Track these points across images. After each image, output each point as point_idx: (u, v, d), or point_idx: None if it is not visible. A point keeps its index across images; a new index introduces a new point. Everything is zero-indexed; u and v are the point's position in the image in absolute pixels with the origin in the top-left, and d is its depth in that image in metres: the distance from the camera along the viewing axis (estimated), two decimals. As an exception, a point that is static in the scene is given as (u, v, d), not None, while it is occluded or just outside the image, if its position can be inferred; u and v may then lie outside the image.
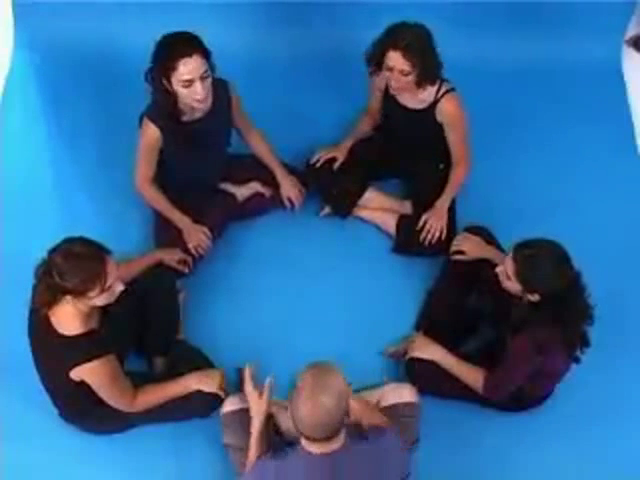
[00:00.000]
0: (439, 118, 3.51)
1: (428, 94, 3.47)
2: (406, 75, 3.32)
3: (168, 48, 3.09)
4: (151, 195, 3.48)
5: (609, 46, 4.39)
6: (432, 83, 3.43)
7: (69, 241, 2.72)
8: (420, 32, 3.32)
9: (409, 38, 3.27)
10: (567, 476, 3.22)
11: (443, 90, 3.46)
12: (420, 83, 3.38)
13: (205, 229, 3.48)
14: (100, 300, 2.75)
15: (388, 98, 3.56)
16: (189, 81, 3.09)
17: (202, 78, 3.10)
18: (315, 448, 2.52)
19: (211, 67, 3.16)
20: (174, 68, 3.07)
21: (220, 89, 3.32)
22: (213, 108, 3.29)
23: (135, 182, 3.47)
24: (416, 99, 3.49)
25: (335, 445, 2.52)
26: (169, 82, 3.11)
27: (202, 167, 3.48)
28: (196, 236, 3.46)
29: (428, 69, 3.34)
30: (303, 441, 2.55)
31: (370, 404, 3.02)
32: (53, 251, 2.70)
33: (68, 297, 2.71)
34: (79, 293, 2.69)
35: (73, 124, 4.03)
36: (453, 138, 3.56)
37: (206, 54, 3.12)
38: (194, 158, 3.40)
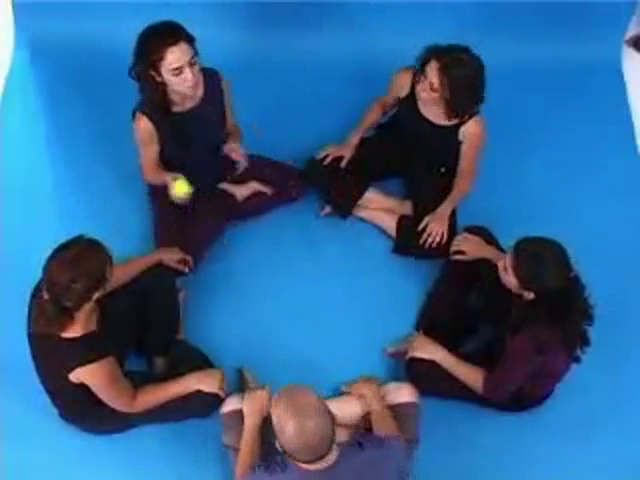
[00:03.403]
0: (461, 137, 3.51)
1: None
2: (434, 90, 3.31)
3: (152, 39, 3.09)
4: (159, 180, 3.43)
5: (609, 46, 4.39)
6: (460, 119, 3.44)
7: (58, 252, 2.71)
8: (472, 66, 3.28)
9: (455, 61, 3.25)
10: (567, 476, 3.22)
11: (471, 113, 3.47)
12: (448, 113, 3.39)
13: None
14: (111, 280, 2.80)
15: (411, 106, 3.53)
16: (178, 69, 3.09)
17: (190, 64, 3.11)
18: (312, 466, 2.49)
19: (196, 52, 3.15)
20: (162, 58, 3.08)
21: (211, 78, 3.32)
22: (205, 97, 3.30)
23: (144, 175, 3.46)
24: (441, 115, 3.47)
25: (330, 459, 2.49)
26: (158, 73, 3.12)
27: (198, 161, 3.46)
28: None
29: (457, 102, 3.33)
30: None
31: (388, 411, 3.01)
32: (52, 275, 2.67)
33: (95, 295, 2.73)
34: (102, 283, 2.72)
35: (73, 124, 4.02)
36: (468, 154, 3.54)
37: (190, 40, 3.12)
38: (190, 150, 3.38)
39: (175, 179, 3.29)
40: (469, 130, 3.49)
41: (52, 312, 2.71)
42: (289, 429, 2.40)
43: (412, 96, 3.51)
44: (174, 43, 3.06)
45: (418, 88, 3.40)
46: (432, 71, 3.29)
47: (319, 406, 2.45)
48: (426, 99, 3.40)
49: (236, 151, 3.47)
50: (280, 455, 2.57)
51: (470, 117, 3.46)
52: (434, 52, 3.29)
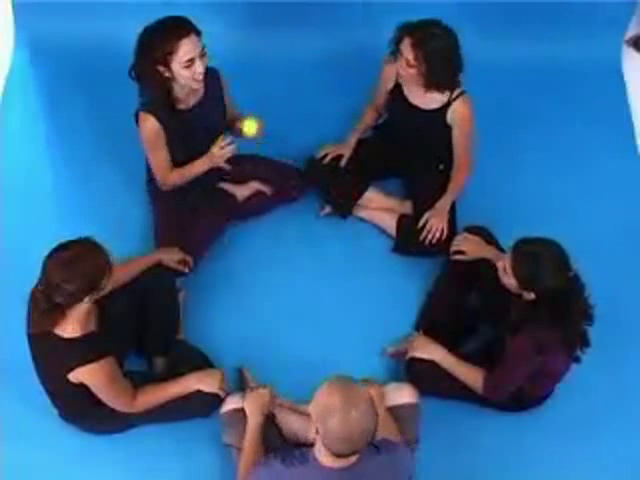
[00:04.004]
0: (449, 120, 3.52)
1: (441, 95, 3.48)
2: (410, 67, 3.34)
3: (162, 34, 3.10)
4: (177, 180, 3.43)
5: (609, 46, 4.39)
6: (439, 90, 3.44)
7: (54, 253, 2.71)
8: (445, 38, 3.30)
9: (428, 35, 3.28)
10: (567, 476, 3.22)
11: (457, 92, 3.48)
12: (427, 85, 3.40)
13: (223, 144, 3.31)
14: (109, 284, 2.78)
15: (398, 97, 3.56)
16: (190, 60, 3.11)
17: (201, 56, 3.14)
18: (335, 463, 2.49)
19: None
20: (174, 51, 3.09)
21: (211, 77, 3.33)
22: (206, 95, 3.32)
23: (159, 180, 3.44)
24: (428, 99, 3.49)
25: (352, 459, 2.49)
26: (168, 68, 3.13)
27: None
28: (219, 155, 3.33)
29: (434, 74, 3.34)
30: (321, 454, 2.50)
31: (388, 414, 3.01)
32: (47, 272, 2.68)
33: (87, 298, 2.72)
34: (95, 287, 2.71)
35: (73, 124, 4.03)
36: (460, 141, 3.55)
37: (198, 32, 3.14)
38: (194, 149, 3.39)
39: (245, 119, 3.29)
40: (457, 111, 3.50)
41: (44, 306, 2.72)
42: (335, 418, 2.38)
43: (398, 86, 3.54)
44: (186, 35, 3.09)
45: (397, 68, 3.42)
46: (406, 48, 3.31)
47: (368, 401, 2.45)
48: (405, 77, 3.42)
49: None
50: (296, 449, 2.59)
51: (455, 98, 3.47)
52: (406, 29, 3.32)
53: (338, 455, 2.46)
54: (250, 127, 3.32)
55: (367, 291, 3.61)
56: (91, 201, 3.78)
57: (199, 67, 3.14)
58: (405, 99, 3.55)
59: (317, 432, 2.45)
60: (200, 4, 4.05)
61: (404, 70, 3.38)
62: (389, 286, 3.63)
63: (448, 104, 3.50)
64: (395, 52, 3.39)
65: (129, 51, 3.17)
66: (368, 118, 3.77)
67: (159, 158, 3.37)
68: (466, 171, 3.59)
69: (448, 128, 3.54)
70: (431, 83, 3.39)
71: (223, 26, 4.20)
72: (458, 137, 3.55)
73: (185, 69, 3.13)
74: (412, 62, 3.32)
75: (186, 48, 3.09)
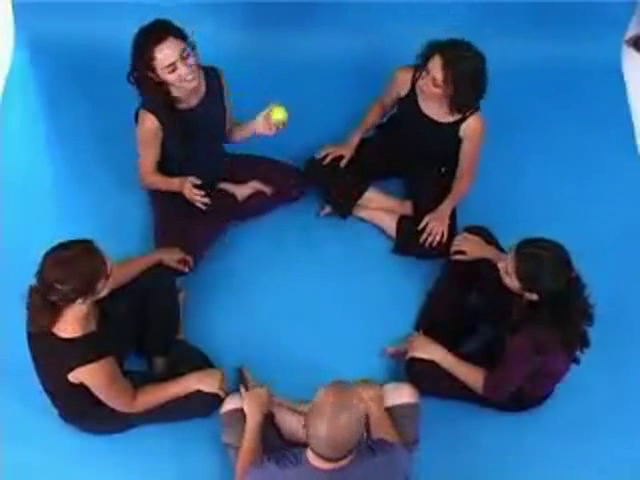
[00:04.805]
0: (462, 134, 3.51)
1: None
2: (436, 86, 3.31)
3: (143, 40, 3.11)
4: (154, 182, 3.48)
5: (609, 46, 4.39)
6: (461, 112, 3.43)
7: (52, 251, 2.71)
8: (475, 60, 3.28)
9: (459, 56, 3.25)
10: (567, 476, 3.22)
11: (473, 108, 3.47)
12: (451, 108, 3.38)
13: (191, 179, 3.37)
14: (106, 288, 2.77)
15: (412, 104, 3.53)
16: (171, 65, 3.10)
17: (183, 58, 3.11)
18: (325, 465, 2.50)
19: (192, 47, 3.15)
20: (153, 58, 3.09)
21: (212, 76, 3.33)
22: (207, 94, 3.32)
23: (140, 175, 3.46)
24: (443, 113, 3.47)
25: (344, 462, 2.50)
26: (155, 73, 3.13)
27: (201, 159, 3.46)
28: (188, 194, 3.37)
29: (460, 97, 3.32)
30: (311, 456, 2.52)
31: (386, 415, 3.01)
32: (43, 270, 2.68)
33: (79, 300, 2.71)
34: (89, 290, 2.71)
35: (73, 124, 4.03)
36: (469, 154, 3.55)
37: (180, 34, 3.12)
38: (194, 149, 3.39)
39: (274, 107, 3.29)
40: (470, 127, 3.49)
41: (39, 303, 2.73)
42: (323, 421, 2.40)
43: (413, 94, 3.52)
44: (160, 41, 3.07)
45: (420, 84, 3.40)
46: (435, 67, 3.28)
47: (359, 411, 2.46)
48: (428, 95, 3.39)
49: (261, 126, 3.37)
50: (291, 451, 2.59)
51: (471, 113, 3.47)
52: (437, 47, 3.28)
53: (323, 457, 2.47)
54: (279, 112, 3.29)
55: (367, 291, 3.61)
56: (91, 201, 3.78)
57: (182, 69, 3.12)
58: (419, 108, 3.52)
59: (305, 431, 2.47)
60: (200, 4, 4.06)
61: (428, 88, 3.34)
62: (389, 286, 3.62)
63: (463, 119, 3.48)
64: (421, 67, 3.35)
65: (128, 51, 3.17)
66: (373, 116, 3.73)
67: (148, 156, 3.39)
68: (470, 179, 3.59)
69: (459, 140, 3.54)
70: (455, 106, 3.38)
71: (222, 26, 4.20)
72: (468, 150, 3.54)
73: (169, 74, 3.13)
74: (439, 82, 3.29)
75: (162, 54, 3.08)
